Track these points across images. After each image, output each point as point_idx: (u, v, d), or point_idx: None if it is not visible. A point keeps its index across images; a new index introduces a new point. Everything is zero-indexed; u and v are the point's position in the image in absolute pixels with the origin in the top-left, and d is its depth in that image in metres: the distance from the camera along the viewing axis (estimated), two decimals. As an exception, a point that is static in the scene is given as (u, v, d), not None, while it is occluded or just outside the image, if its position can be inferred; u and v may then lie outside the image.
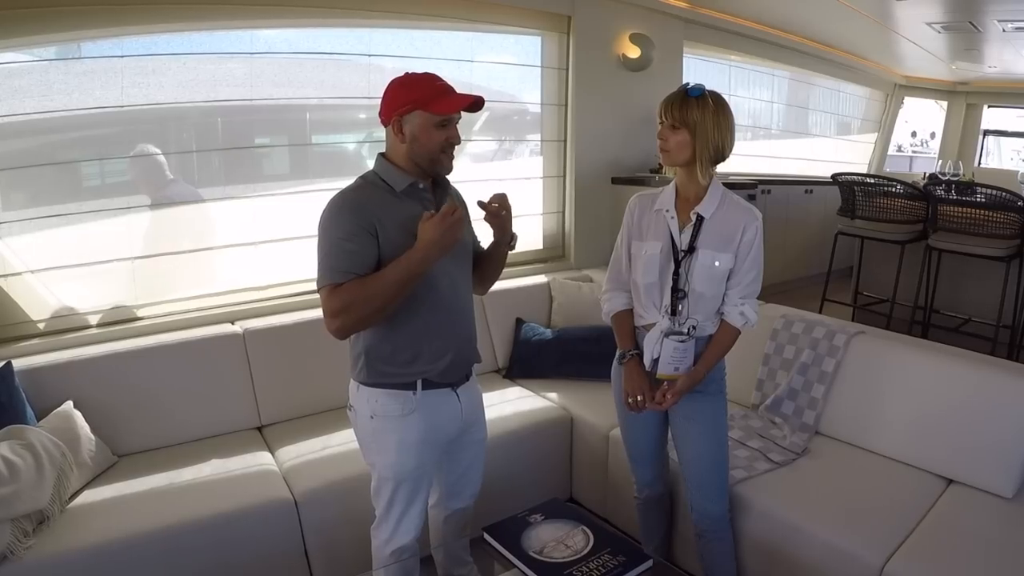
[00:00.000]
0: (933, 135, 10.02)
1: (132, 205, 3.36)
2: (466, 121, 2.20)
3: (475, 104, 2.10)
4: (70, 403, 2.82)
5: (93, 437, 2.79)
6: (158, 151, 3.35)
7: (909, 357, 3.06)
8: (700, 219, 2.34)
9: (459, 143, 2.16)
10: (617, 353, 2.57)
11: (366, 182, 2.14)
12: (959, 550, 2.38)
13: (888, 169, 9.36)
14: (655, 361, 2.40)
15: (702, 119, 2.24)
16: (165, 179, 3.40)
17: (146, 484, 2.72)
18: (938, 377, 2.95)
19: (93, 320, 3.29)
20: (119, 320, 3.33)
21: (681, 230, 2.36)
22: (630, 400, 2.46)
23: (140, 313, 3.39)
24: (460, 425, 2.33)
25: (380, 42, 3.95)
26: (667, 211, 2.39)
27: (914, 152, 10.13)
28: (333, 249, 2.02)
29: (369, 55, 3.93)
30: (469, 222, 2.33)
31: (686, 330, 2.36)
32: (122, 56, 3.16)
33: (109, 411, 2.93)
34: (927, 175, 6.61)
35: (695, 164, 2.30)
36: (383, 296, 1.99)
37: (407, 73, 2.12)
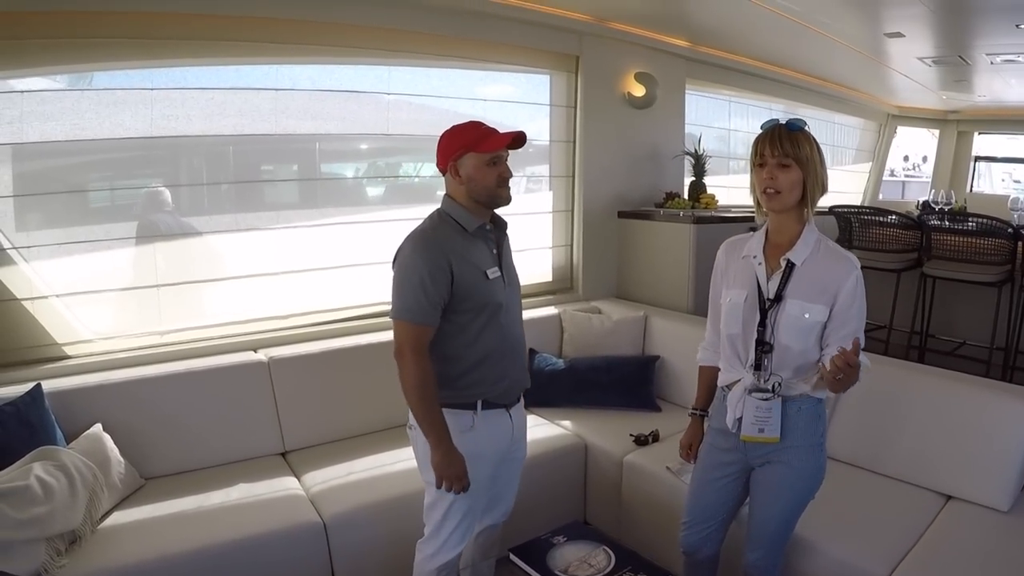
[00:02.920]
0: (925, 159, 10.12)
1: (158, 233, 3.45)
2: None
3: (516, 140, 2.32)
4: (99, 426, 2.88)
5: (122, 460, 2.85)
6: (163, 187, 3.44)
7: (906, 380, 3.18)
8: (791, 266, 2.16)
9: (511, 176, 2.36)
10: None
11: (441, 220, 2.35)
12: (959, 561, 2.48)
13: (881, 195, 9.52)
14: (738, 421, 2.25)
15: (811, 154, 2.10)
16: (161, 208, 3.47)
17: (175, 507, 2.77)
18: (933, 399, 3.07)
19: (119, 344, 3.35)
20: (145, 345, 3.39)
21: (769, 278, 2.20)
22: (684, 450, 2.58)
23: (165, 339, 3.45)
24: (510, 443, 2.50)
25: (398, 80, 4.09)
26: (754, 257, 2.24)
27: (907, 176, 10.22)
28: (408, 287, 2.24)
29: (388, 93, 4.05)
30: (511, 258, 2.53)
31: (770, 387, 2.18)
32: (152, 88, 3.28)
33: (137, 435, 2.99)
34: (920, 203, 6.75)
35: (803, 204, 2.15)
36: (410, 399, 2.28)
37: (454, 125, 2.36)
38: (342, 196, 4.13)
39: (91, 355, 3.28)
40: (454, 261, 2.24)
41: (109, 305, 3.38)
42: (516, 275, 2.54)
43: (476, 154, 2.28)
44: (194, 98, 3.40)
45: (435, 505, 2.40)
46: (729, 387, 2.31)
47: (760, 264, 2.22)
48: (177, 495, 2.86)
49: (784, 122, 2.14)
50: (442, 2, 3.88)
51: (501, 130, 2.33)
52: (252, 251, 3.70)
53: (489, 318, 2.34)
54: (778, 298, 2.16)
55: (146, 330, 3.43)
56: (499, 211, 2.44)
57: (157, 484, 2.98)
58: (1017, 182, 9.79)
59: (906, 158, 10.00)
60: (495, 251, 2.41)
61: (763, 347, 2.18)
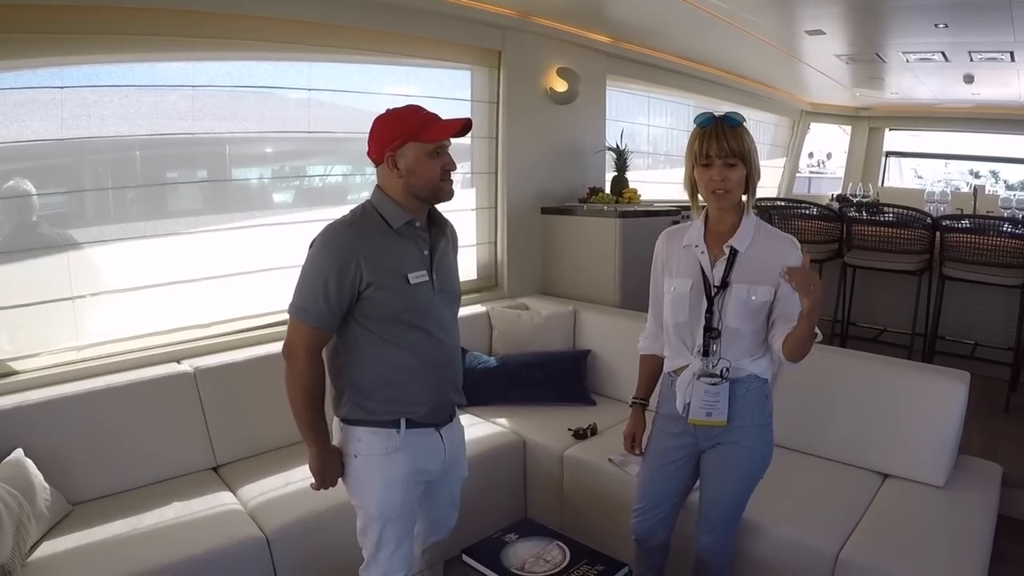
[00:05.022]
0: (830, 156, 10.49)
1: (70, 242, 3.23)
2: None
3: (464, 128, 2.13)
4: (20, 451, 2.68)
5: (47, 486, 2.66)
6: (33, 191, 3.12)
7: (837, 365, 3.30)
8: (734, 252, 2.20)
9: (455, 169, 2.17)
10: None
11: (363, 215, 2.14)
12: (903, 536, 2.62)
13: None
14: (687, 406, 2.28)
15: (751, 148, 2.14)
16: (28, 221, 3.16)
17: (107, 532, 2.61)
18: (864, 381, 3.21)
19: (34, 363, 3.14)
20: (62, 362, 3.19)
21: (713, 265, 2.23)
22: (627, 441, 2.53)
23: (83, 355, 3.26)
24: (443, 465, 2.32)
25: (319, 76, 3.98)
26: (696, 246, 2.26)
27: (811, 173, 10.55)
28: (309, 285, 2.06)
29: (309, 89, 3.94)
30: (453, 262, 2.36)
31: (719, 372, 2.22)
32: (62, 87, 3.07)
33: (60, 458, 2.80)
34: (834, 196, 6.97)
35: (746, 196, 2.20)
36: (295, 402, 2.14)
37: (390, 109, 2.14)
38: (258, 199, 4.00)
39: (5, 375, 3.05)
40: (365, 263, 2.04)
41: (20, 321, 3.15)
42: (454, 280, 2.34)
43: (418, 144, 2.07)
44: (108, 96, 3.19)
45: (367, 531, 2.25)
46: (676, 373, 2.34)
47: (703, 252, 2.25)
48: (108, 519, 2.69)
49: (720, 116, 2.15)
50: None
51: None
52: (168, 258, 3.52)
53: (408, 328, 2.14)
54: (724, 284, 2.20)
55: (63, 346, 3.22)
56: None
57: (86, 509, 2.80)
58: (920, 177, 10.25)
59: (811, 155, 10.30)
60: (427, 252, 2.19)
61: (711, 333, 2.22)
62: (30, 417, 2.81)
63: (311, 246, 2.10)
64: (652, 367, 2.52)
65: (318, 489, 2.23)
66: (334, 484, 2.24)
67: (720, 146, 2.10)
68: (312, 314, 2.05)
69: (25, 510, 2.47)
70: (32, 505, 2.54)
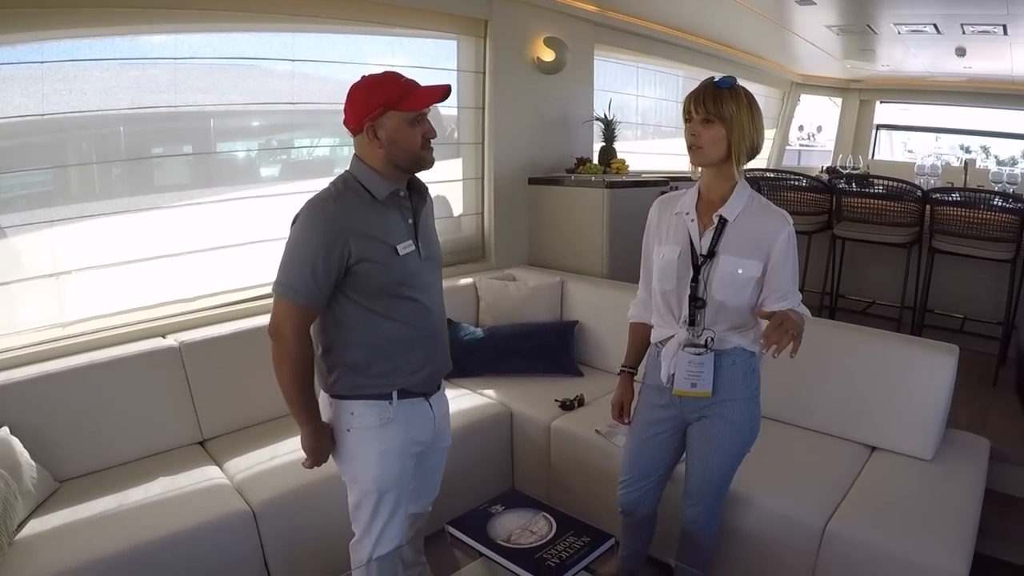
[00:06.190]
0: (820, 128, 10.47)
1: (54, 218, 3.19)
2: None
3: (445, 94, 2.07)
4: (5, 429, 2.67)
5: (33, 463, 2.66)
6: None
7: (827, 337, 3.26)
8: (723, 222, 2.19)
9: (435, 136, 2.12)
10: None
11: (346, 188, 2.09)
12: (890, 509, 2.62)
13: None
14: (672, 376, 2.29)
15: (737, 112, 2.10)
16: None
17: (95, 508, 2.62)
18: (854, 354, 3.20)
19: (18, 340, 3.11)
20: (47, 339, 3.17)
21: (701, 234, 2.21)
22: (615, 410, 2.53)
23: (68, 331, 3.24)
24: (432, 434, 2.34)
25: (303, 47, 3.92)
26: (687, 213, 2.24)
27: (802, 145, 10.53)
28: (296, 263, 2.02)
29: (293, 60, 3.89)
30: (433, 227, 2.32)
31: (703, 342, 2.21)
32: (43, 62, 3.01)
33: (46, 435, 2.79)
34: (824, 168, 6.96)
35: (729, 162, 2.14)
36: (285, 382, 2.10)
37: (365, 76, 2.09)
38: (243, 172, 3.95)
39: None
40: (354, 239, 2.01)
41: (3, 298, 3.13)
42: (436, 247, 2.31)
43: (399, 112, 2.02)
44: (88, 71, 3.14)
45: (361, 505, 2.26)
46: (663, 343, 2.34)
47: (693, 220, 2.23)
48: (95, 495, 2.70)
49: (716, 80, 2.15)
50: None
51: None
52: (154, 232, 3.49)
53: (400, 299, 2.13)
54: (711, 254, 2.18)
55: (48, 323, 3.20)
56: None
57: (73, 486, 2.80)
58: (911, 151, 10.23)
59: (801, 128, 10.27)
60: (411, 221, 2.17)
61: (696, 303, 2.20)
62: (15, 395, 2.80)
63: (294, 222, 2.06)
64: (642, 335, 2.50)
65: (311, 467, 2.22)
66: (325, 461, 2.23)
67: (698, 104, 2.11)
68: (300, 292, 2.01)
69: (12, 488, 2.47)
70: (19, 483, 2.54)
